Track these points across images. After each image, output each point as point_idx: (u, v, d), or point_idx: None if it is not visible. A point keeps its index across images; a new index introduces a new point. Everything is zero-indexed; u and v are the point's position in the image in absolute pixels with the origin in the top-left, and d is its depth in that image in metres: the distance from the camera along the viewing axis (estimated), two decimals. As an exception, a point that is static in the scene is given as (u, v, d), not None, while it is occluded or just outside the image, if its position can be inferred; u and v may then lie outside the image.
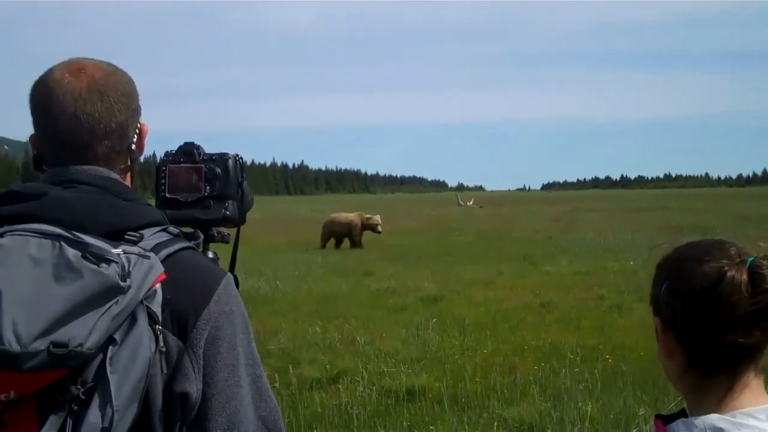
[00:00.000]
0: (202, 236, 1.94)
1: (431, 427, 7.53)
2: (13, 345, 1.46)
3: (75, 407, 1.53)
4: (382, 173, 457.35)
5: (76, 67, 1.81)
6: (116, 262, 1.55)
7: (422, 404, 8.23)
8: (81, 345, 1.49)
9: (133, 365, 1.55)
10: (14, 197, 1.70)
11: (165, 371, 1.66)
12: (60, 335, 1.48)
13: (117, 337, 1.54)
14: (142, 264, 1.59)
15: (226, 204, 2.14)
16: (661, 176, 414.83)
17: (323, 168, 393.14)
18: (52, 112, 1.77)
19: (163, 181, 2.13)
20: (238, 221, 2.21)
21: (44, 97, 1.78)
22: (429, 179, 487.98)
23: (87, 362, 1.53)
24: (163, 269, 1.63)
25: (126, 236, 1.67)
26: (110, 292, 1.53)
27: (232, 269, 2.14)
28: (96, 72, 1.80)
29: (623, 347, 10.53)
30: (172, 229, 1.80)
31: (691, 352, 1.58)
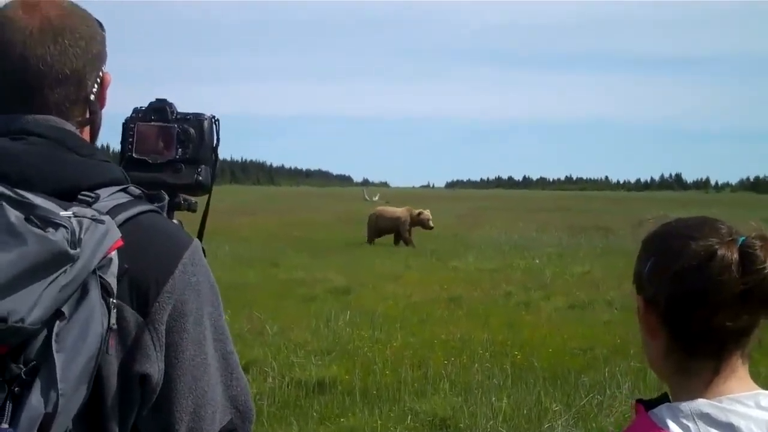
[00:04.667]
0: (167, 198, 1.72)
1: (342, 420, 7.45)
2: None
3: (16, 389, 1.34)
4: (287, 166, 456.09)
5: (31, 3, 1.61)
6: (65, 227, 1.36)
7: (333, 396, 8.15)
8: (22, 320, 1.31)
9: (82, 343, 1.37)
10: None
11: (121, 349, 1.49)
12: None
13: (65, 311, 1.37)
14: (96, 229, 1.41)
15: (199, 168, 1.95)
16: (562, 178, 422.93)
17: (228, 158, 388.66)
18: (0, 51, 1.59)
19: (131, 140, 1.93)
20: (210, 188, 2.01)
21: None
22: (334, 173, 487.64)
23: (30, 339, 1.35)
24: (120, 235, 1.46)
25: (79, 196, 1.50)
26: (58, 260, 1.34)
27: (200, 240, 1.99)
28: (52, 10, 1.61)
29: (532, 343, 10.64)
30: (133, 189, 1.61)
31: (675, 332, 1.52)
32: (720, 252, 1.45)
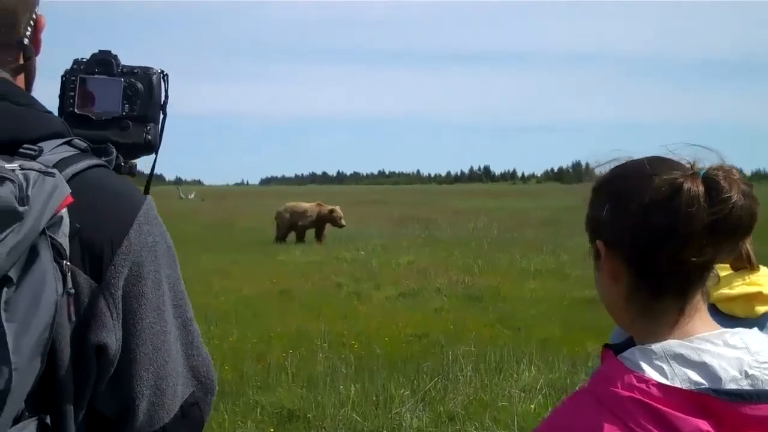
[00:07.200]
0: (114, 152, 1.55)
1: (185, 417, 7.21)
2: None
3: None
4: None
5: None
6: (12, 181, 1.19)
7: (174, 394, 7.87)
8: None
9: (35, 311, 1.21)
10: None
11: (74, 318, 1.32)
12: None
13: (12, 275, 1.19)
14: (44, 183, 1.24)
15: (148, 127, 1.77)
16: (375, 172, 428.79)
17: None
18: None
19: (72, 93, 1.73)
20: (158, 148, 1.83)
21: None
22: (145, 172, 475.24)
23: None
24: (69, 190, 1.28)
25: (20, 150, 1.31)
26: (5, 218, 1.18)
27: None
28: None
29: (368, 332, 10.71)
30: (78, 142, 1.44)
31: (641, 271, 1.47)
32: (686, 185, 1.42)
